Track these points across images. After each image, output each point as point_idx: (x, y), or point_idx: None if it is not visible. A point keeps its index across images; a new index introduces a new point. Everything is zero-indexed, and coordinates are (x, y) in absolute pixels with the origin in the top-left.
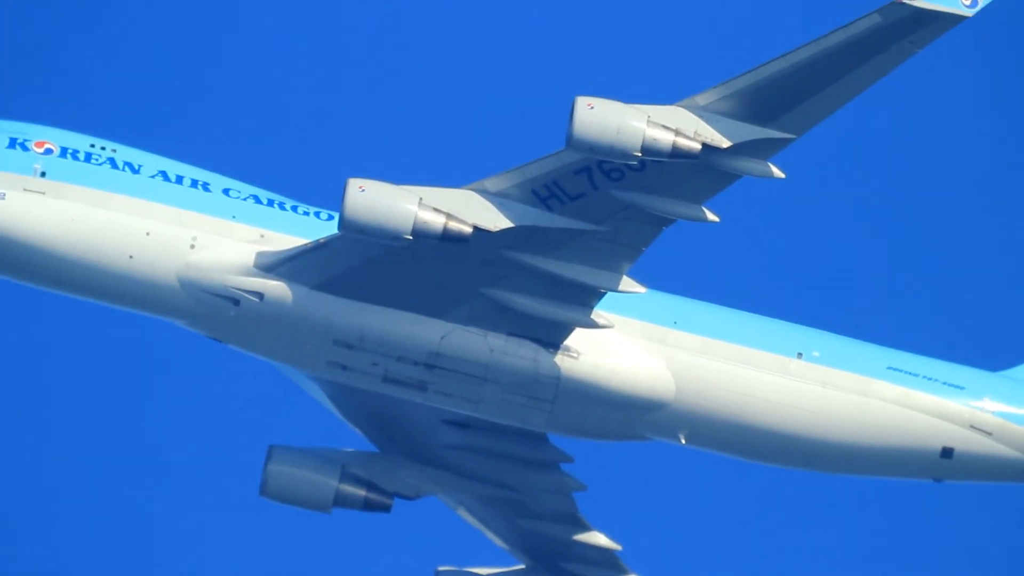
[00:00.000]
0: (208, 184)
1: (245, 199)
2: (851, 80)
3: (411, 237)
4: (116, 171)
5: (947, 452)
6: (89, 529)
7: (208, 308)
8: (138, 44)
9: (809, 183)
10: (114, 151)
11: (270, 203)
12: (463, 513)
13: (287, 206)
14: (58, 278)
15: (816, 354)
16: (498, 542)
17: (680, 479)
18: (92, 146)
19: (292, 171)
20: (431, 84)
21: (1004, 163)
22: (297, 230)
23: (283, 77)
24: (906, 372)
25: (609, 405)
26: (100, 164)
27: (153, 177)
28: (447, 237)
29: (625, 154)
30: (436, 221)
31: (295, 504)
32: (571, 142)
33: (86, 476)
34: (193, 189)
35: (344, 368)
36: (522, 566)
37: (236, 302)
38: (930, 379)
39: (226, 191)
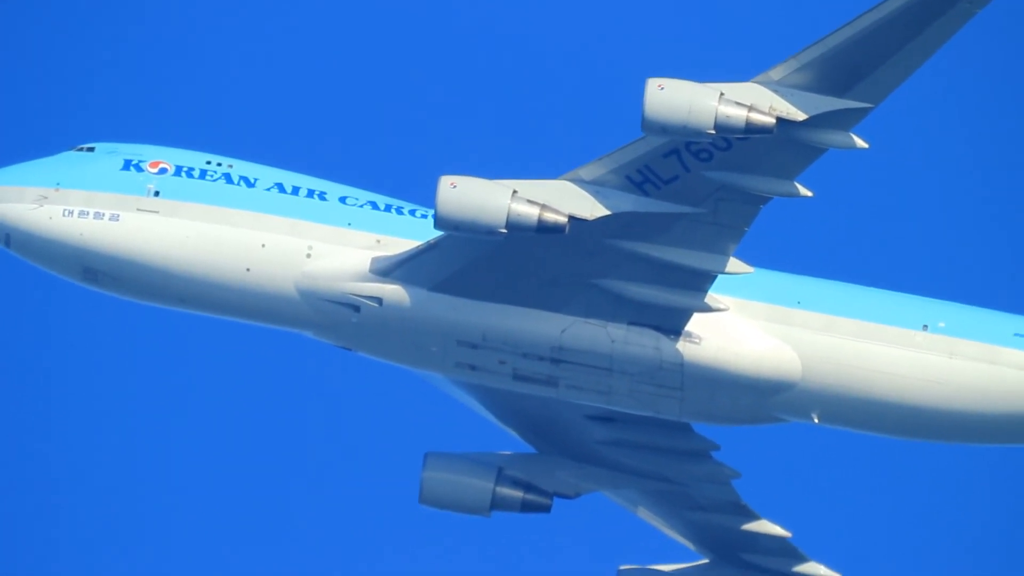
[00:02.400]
0: (325, 193)
1: (362, 206)
2: (919, 44)
3: (506, 230)
4: (231, 186)
5: None
6: (253, 541)
7: (329, 316)
8: (261, 63)
9: (908, 149)
10: (230, 166)
11: (387, 208)
12: (642, 512)
13: (404, 210)
14: (179, 296)
15: (941, 325)
16: (678, 538)
17: (831, 459)
18: (208, 163)
19: (412, 175)
20: (524, 80)
21: None
22: (413, 233)
23: (405, 84)
24: None
25: (737, 388)
26: (215, 180)
27: (269, 190)
28: (543, 228)
29: (699, 132)
30: (530, 213)
31: (453, 509)
32: (644, 124)
33: (243, 487)
34: (309, 199)
35: (473, 368)
36: (705, 561)
37: (356, 308)
38: None
39: (343, 199)
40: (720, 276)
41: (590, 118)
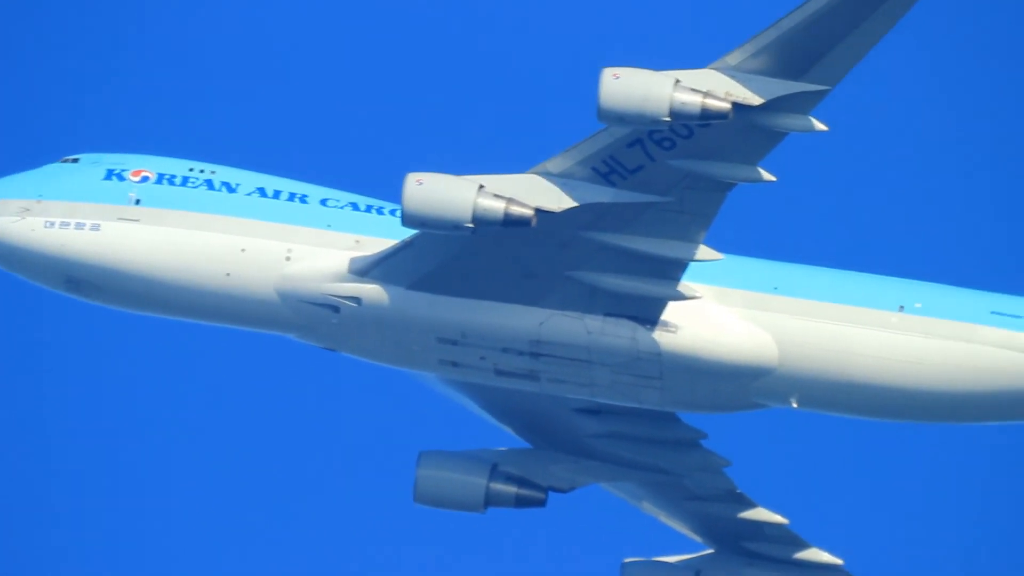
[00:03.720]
0: (306, 196)
1: (343, 207)
2: (874, 22)
3: (472, 224)
4: (213, 192)
5: None
6: (247, 543)
7: (310, 318)
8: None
9: (869, 130)
10: (212, 172)
11: (368, 209)
12: (647, 506)
13: (385, 210)
14: (160, 303)
15: (918, 305)
16: (681, 529)
17: (816, 443)
18: (191, 170)
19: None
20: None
21: None
22: (392, 233)
23: (388, 84)
24: (1010, 315)
25: (715, 376)
26: (196, 187)
27: (250, 195)
28: (510, 222)
29: (655, 120)
30: (496, 207)
31: (448, 507)
32: (600, 114)
33: (237, 492)
34: (290, 203)
35: (456, 365)
36: (710, 551)
37: (336, 309)
38: None
39: (323, 201)
40: (693, 264)
41: (566, 112)
